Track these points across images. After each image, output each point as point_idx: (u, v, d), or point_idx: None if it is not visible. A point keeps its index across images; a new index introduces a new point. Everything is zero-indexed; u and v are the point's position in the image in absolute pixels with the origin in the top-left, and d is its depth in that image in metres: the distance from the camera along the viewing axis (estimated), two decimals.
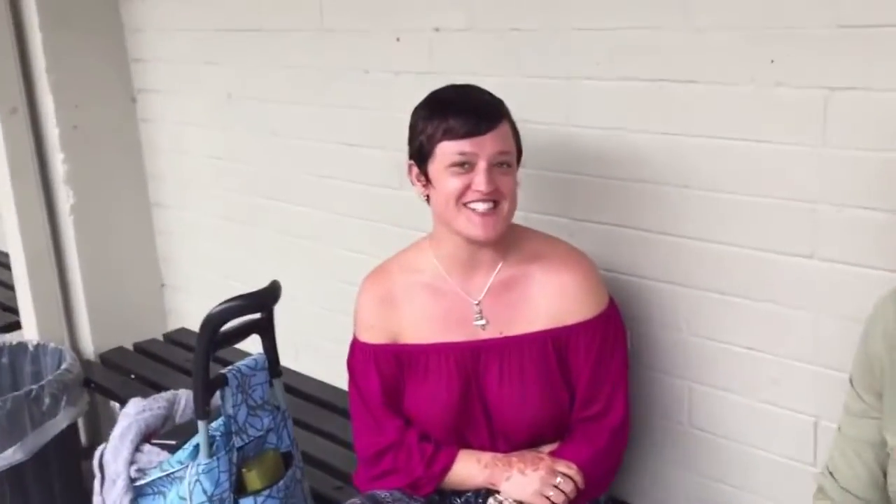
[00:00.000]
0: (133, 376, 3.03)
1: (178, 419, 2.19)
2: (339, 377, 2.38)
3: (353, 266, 2.42)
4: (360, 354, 1.95)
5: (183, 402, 2.19)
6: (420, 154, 1.83)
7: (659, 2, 1.86)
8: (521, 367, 1.85)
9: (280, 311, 2.08)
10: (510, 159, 1.79)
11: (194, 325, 2.13)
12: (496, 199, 1.76)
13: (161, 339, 3.32)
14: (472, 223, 1.77)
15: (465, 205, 1.77)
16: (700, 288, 1.96)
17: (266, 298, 1.94)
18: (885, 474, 1.47)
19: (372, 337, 1.93)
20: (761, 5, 1.73)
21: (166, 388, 2.40)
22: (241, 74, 2.88)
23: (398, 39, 2.38)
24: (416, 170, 1.86)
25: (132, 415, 2.08)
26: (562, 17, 2.02)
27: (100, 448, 2.09)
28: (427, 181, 1.84)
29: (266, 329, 1.98)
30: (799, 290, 1.80)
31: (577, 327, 1.84)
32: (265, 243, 2.98)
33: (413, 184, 1.88)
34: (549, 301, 1.85)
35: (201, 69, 3.01)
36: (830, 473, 1.52)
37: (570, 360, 1.85)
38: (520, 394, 1.85)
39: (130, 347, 3.27)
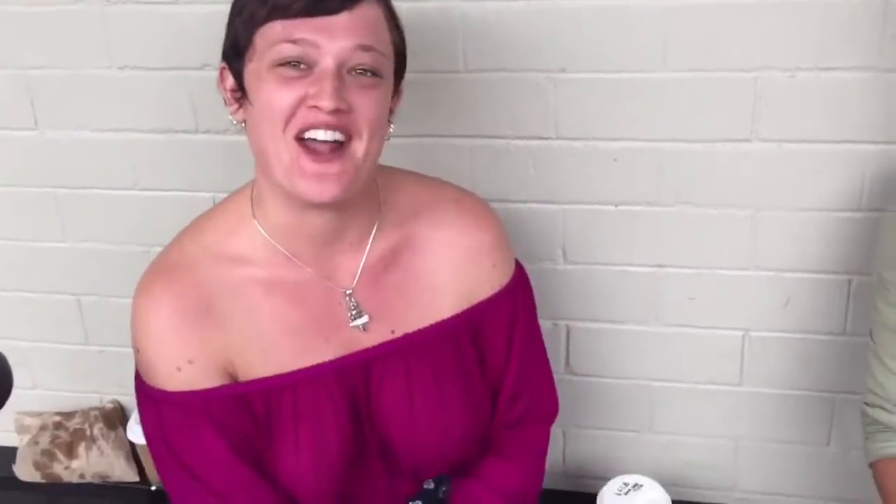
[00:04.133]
0: None
1: None
2: None
3: None
4: (176, 416, 1.13)
5: None
6: (234, 48, 1.06)
7: None
8: (437, 375, 1.21)
9: None
10: (379, 64, 1.05)
11: None
12: (346, 128, 1.03)
13: None
14: (301, 170, 1.03)
15: (297, 137, 1.03)
16: (585, 202, 1.49)
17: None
18: None
19: (193, 378, 1.11)
20: None
21: None
22: None
23: None
24: (229, 77, 1.08)
25: None
26: None
27: None
28: (242, 95, 1.07)
29: None
30: (730, 183, 1.42)
31: (492, 301, 1.24)
32: None
33: (225, 103, 1.10)
34: (452, 272, 1.21)
35: None
36: None
37: (486, 349, 1.26)
38: (441, 414, 1.21)
39: None
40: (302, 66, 1.01)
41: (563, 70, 1.40)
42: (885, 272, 1.23)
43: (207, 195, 1.55)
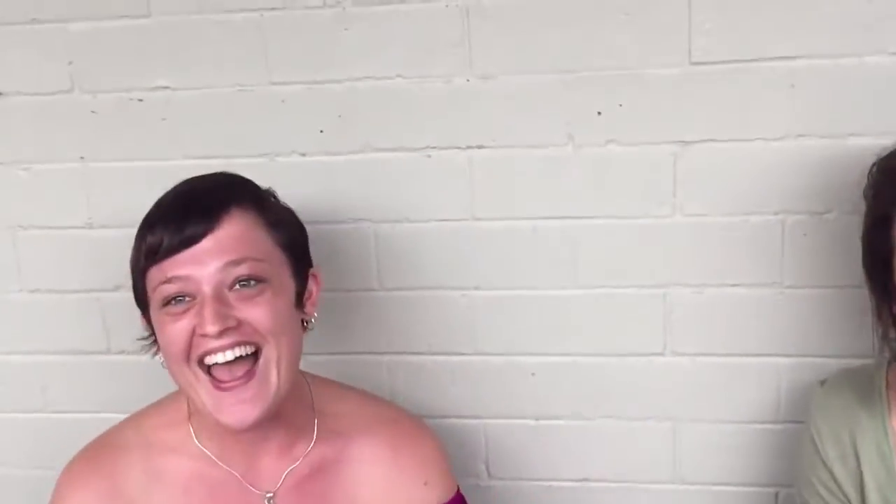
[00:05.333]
0: None
1: None
2: None
3: None
4: None
5: None
6: (137, 298, 1.12)
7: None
8: None
9: None
10: (258, 270, 1.06)
11: None
12: (247, 341, 1.04)
13: None
14: (218, 405, 1.05)
15: (202, 365, 1.05)
16: (505, 416, 1.47)
17: None
18: None
19: None
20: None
21: None
22: None
23: None
24: (146, 323, 1.13)
25: None
26: None
27: None
28: (155, 338, 1.12)
29: None
30: (648, 396, 1.42)
31: None
32: None
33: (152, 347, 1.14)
34: (380, 488, 1.17)
35: None
36: None
37: None
38: None
39: None
40: (186, 298, 1.04)
41: (477, 287, 1.41)
42: (805, 493, 1.21)
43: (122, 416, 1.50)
